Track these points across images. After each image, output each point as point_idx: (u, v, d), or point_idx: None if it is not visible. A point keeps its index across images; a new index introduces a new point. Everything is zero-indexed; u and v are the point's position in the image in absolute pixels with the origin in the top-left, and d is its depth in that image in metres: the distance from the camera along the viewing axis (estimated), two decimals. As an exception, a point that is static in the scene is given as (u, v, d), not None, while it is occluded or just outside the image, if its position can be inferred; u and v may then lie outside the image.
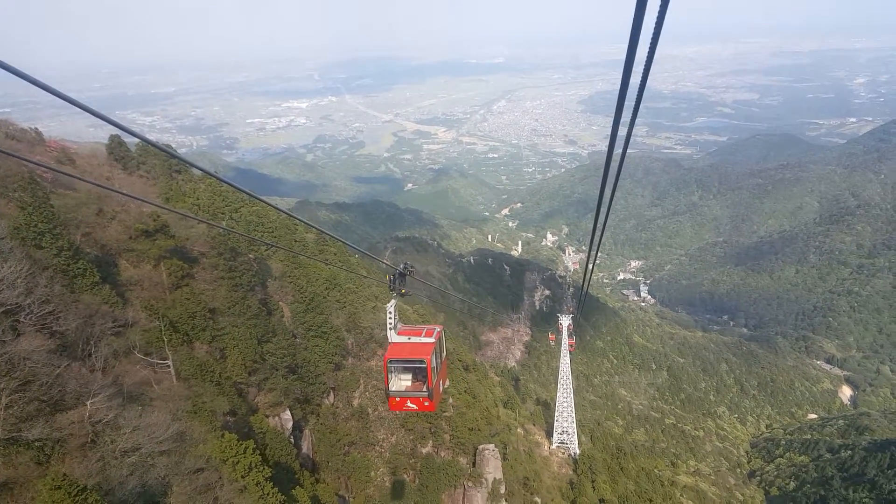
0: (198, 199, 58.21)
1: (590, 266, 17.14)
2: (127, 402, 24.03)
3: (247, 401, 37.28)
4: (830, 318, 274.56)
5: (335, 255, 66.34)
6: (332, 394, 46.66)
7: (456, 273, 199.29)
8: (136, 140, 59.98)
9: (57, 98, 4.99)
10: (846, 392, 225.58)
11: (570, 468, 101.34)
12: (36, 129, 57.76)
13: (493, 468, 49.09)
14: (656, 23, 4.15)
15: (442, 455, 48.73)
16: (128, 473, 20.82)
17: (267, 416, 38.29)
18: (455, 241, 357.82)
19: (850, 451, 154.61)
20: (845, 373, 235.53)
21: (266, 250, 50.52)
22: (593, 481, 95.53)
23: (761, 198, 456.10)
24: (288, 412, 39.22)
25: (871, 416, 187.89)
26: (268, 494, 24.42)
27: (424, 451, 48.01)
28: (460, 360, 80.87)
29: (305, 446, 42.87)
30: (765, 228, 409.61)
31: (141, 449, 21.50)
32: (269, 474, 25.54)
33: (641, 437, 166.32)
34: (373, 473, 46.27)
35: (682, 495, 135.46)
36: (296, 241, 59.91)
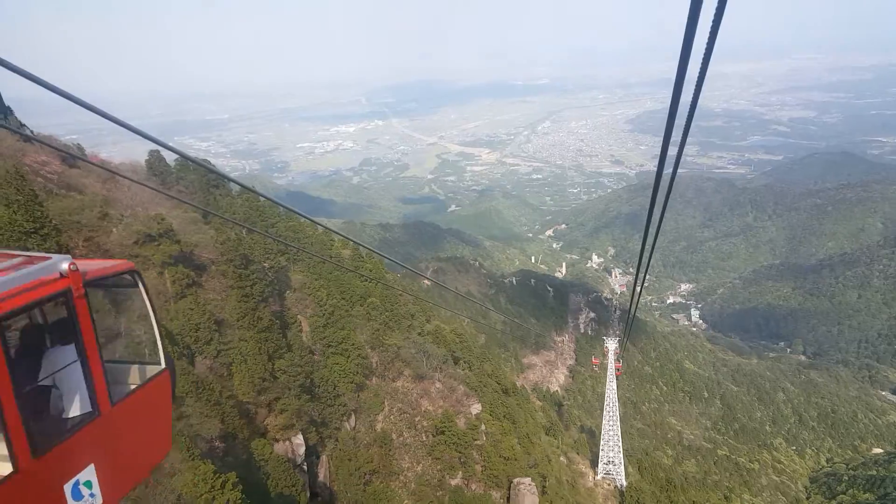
0: (234, 213, 56.99)
1: (638, 288, 15.44)
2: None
3: (254, 423, 34.21)
4: None
5: (370, 271, 63.92)
6: (352, 416, 43.16)
7: (498, 294, 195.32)
8: (176, 157, 59.77)
9: (118, 126, 5.13)
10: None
11: (616, 501, 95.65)
12: (78, 144, 57.59)
13: (529, 504, 44.51)
14: (709, 38, 4.02)
15: (473, 488, 44.49)
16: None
17: (276, 441, 35.10)
18: (497, 262, 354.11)
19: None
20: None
21: (286, 260, 48.06)
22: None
23: (820, 219, 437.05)
24: (300, 436, 35.90)
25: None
26: (251, 539, 21.00)
27: (453, 482, 43.85)
28: (499, 383, 76.44)
29: (322, 474, 39.40)
30: (824, 251, 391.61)
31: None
32: (252, 515, 22.04)
33: (692, 469, 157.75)
34: (396, 505, 42.34)
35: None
36: (331, 258, 57.83)
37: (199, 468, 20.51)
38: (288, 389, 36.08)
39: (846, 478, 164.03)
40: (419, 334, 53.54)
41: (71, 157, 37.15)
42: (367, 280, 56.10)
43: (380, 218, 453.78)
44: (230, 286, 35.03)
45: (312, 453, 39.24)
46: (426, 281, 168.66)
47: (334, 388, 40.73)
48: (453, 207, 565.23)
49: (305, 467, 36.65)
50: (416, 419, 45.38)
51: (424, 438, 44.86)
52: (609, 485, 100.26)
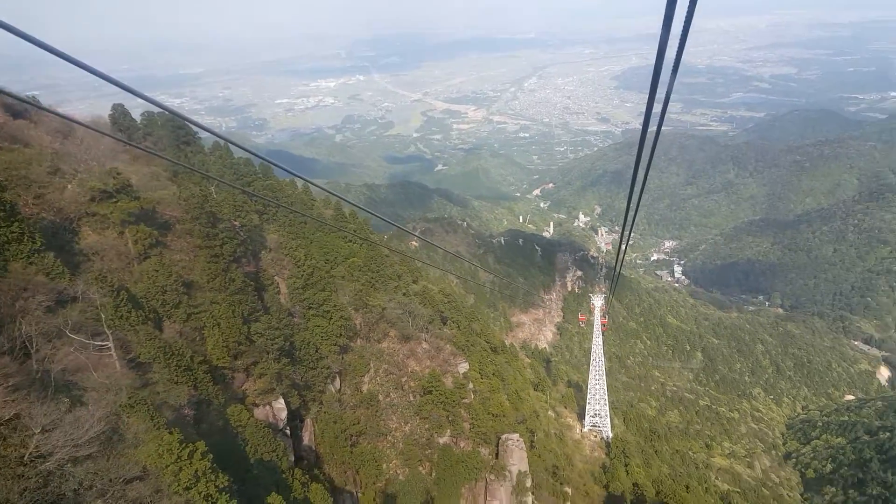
0: (207, 171, 54.38)
1: (623, 246, 15.74)
2: (55, 393, 19.29)
3: (231, 388, 32.69)
4: (869, 298, 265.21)
5: (355, 231, 61.94)
6: (337, 379, 41.87)
7: (486, 254, 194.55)
8: (143, 112, 56.46)
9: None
10: (884, 373, 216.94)
11: (602, 452, 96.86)
12: (34, 96, 53.97)
13: (517, 459, 43.96)
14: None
15: (461, 445, 43.80)
16: (37, 486, 16.10)
17: (256, 406, 33.69)
18: (486, 222, 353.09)
19: (888, 433, 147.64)
20: (884, 353, 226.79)
21: (260, 218, 45.89)
22: (626, 465, 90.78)
23: (799, 175, 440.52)
24: (282, 400, 34.51)
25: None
26: (222, 509, 19.59)
27: (442, 441, 43.08)
28: (488, 342, 75.80)
29: (307, 437, 38.27)
30: (802, 206, 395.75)
31: (56, 454, 16.72)
32: (226, 484, 20.57)
33: (675, 420, 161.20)
34: (384, 466, 41.55)
35: (716, 478, 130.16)
36: (314, 218, 55.64)
37: (164, 438, 18.95)
38: (266, 353, 34.49)
39: (820, 424, 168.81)
40: (404, 294, 52.00)
41: (28, 104, 34.32)
42: (351, 241, 54.17)
43: (365, 178, 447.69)
44: (198, 246, 32.94)
45: (296, 417, 38.05)
46: (414, 242, 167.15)
47: (316, 351, 39.26)
48: (440, 167, 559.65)
49: (288, 431, 35.45)
50: (403, 380, 44.29)
51: (412, 398, 43.87)
52: (596, 436, 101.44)
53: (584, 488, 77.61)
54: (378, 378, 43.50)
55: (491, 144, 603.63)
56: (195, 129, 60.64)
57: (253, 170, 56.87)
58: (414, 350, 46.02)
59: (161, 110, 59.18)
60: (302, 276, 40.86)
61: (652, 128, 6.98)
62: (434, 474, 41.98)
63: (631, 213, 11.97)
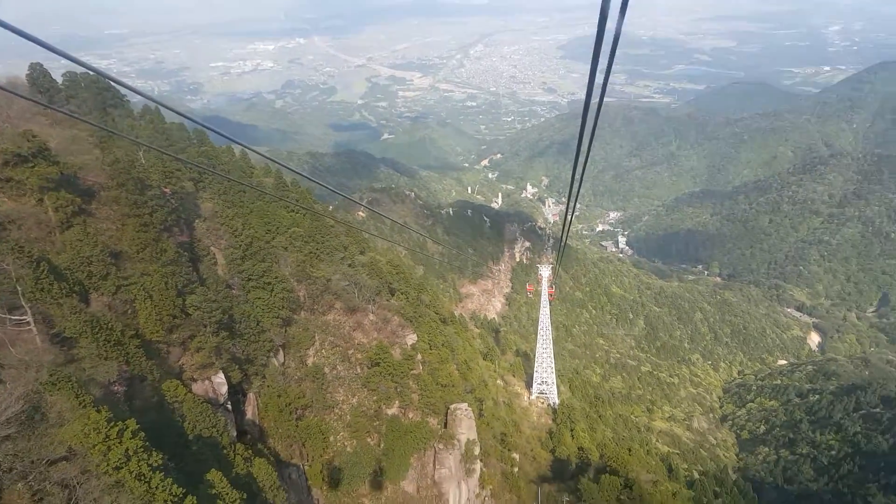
0: (137, 136, 51.13)
1: (568, 217, 15.66)
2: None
3: (166, 363, 31.18)
4: (801, 267, 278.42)
5: (298, 201, 59.91)
6: (280, 352, 40.74)
7: (435, 225, 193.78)
8: (64, 73, 52.16)
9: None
10: (814, 339, 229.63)
11: (549, 418, 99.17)
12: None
13: (465, 428, 44.22)
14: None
15: (410, 416, 43.67)
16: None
17: (194, 381, 32.35)
18: (434, 193, 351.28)
19: (817, 396, 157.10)
20: (814, 320, 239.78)
21: (194, 186, 43.64)
22: (572, 430, 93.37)
23: (737, 147, 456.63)
24: (221, 375, 33.23)
25: (837, 361, 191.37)
26: (155, 489, 18.53)
27: (390, 412, 42.83)
28: (437, 313, 75.66)
29: (250, 412, 37.21)
30: (740, 178, 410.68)
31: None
32: (160, 462, 19.50)
33: (619, 385, 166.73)
34: (332, 438, 41.02)
35: (657, 440, 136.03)
36: (253, 186, 53.27)
37: (91, 416, 17.67)
38: (203, 326, 32.99)
39: (755, 387, 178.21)
40: (350, 266, 50.82)
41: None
42: (293, 210, 52.34)
43: (308, 146, 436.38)
44: (125, 214, 30.85)
45: (238, 392, 36.85)
46: (361, 212, 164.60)
47: (258, 324, 37.95)
48: (386, 135, 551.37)
49: (230, 406, 34.26)
50: (350, 352, 43.53)
51: (359, 371, 43.23)
52: (543, 403, 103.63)
53: (532, 453, 79.39)
54: (324, 351, 42.60)
55: (438, 113, 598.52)
56: (123, 91, 56.99)
57: (187, 135, 53.97)
58: (361, 322, 45.23)
59: (85, 71, 55.21)
60: (240, 246, 39.21)
61: (595, 99, 6.99)
62: (382, 445, 41.78)
63: (576, 185, 11.98)
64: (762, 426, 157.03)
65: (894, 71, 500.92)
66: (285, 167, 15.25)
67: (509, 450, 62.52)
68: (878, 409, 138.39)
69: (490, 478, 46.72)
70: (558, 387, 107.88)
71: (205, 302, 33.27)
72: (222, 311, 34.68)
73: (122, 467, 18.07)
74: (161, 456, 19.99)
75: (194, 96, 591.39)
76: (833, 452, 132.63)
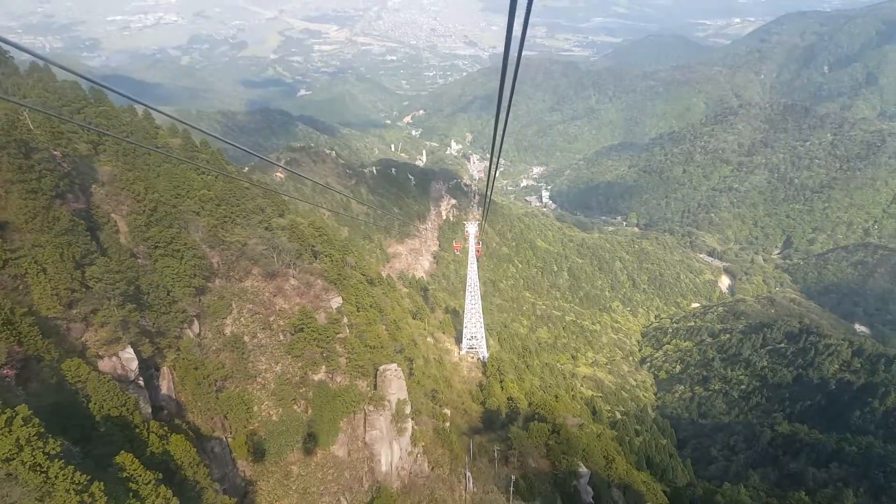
0: (24, 96, 45.88)
1: (492, 172, 15.75)
2: None
3: (67, 341, 28.68)
4: (713, 214, 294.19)
5: (208, 162, 56.23)
6: (195, 323, 38.53)
7: (358, 184, 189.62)
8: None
9: None
10: (725, 282, 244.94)
11: (479, 371, 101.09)
12: None
13: (396, 389, 43.94)
14: None
15: (338, 380, 42.80)
16: None
17: (100, 358, 30.01)
18: (356, 151, 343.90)
19: (728, 335, 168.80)
20: (724, 264, 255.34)
21: (89, 148, 39.90)
22: (501, 381, 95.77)
23: (653, 100, 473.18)
24: (130, 349, 31.00)
25: (746, 302, 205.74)
26: (55, 478, 16.98)
27: (317, 377, 41.76)
28: (363, 274, 74.37)
29: (165, 386, 35.15)
30: (656, 130, 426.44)
31: None
32: (58, 449, 17.85)
33: (545, 335, 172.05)
34: (256, 408, 39.59)
35: (581, 385, 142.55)
36: (158, 148, 49.28)
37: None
38: (107, 299, 30.50)
39: (670, 330, 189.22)
40: (266, 229, 48.51)
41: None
42: (204, 173, 49.06)
43: (219, 104, 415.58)
44: (9, 180, 27.64)
45: (150, 366, 34.61)
46: (279, 173, 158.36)
47: (168, 294, 35.56)
48: (303, 92, 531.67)
49: (142, 382, 32.13)
50: (271, 319, 41.80)
51: (282, 338, 41.67)
52: (473, 357, 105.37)
53: (463, 407, 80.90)
54: (242, 319, 40.71)
55: (357, 68, 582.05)
56: (7, 48, 51.07)
57: (82, 95, 49.08)
58: (281, 287, 43.44)
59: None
60: (143, 212, 36.33)
61: (514, 53, 6.93)
62: (310, 412, 40.86)
63: (498, 139, 11.86)
64: (678, 366, 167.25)
65: (799, 22, 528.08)
66: (194, 128, 13.94)
67: (441, 406, 63.22)
68: (782, 345, 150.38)
69: (422, 435, 47.02)
70: (487, 341, 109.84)
71: (107, 273, 30.67)
72: (127, 282, 32.17)
73: (14, 458, 16.37)
74: (60, 442, 18.31)
75: (91, 53, 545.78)
76: (743, 387, 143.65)
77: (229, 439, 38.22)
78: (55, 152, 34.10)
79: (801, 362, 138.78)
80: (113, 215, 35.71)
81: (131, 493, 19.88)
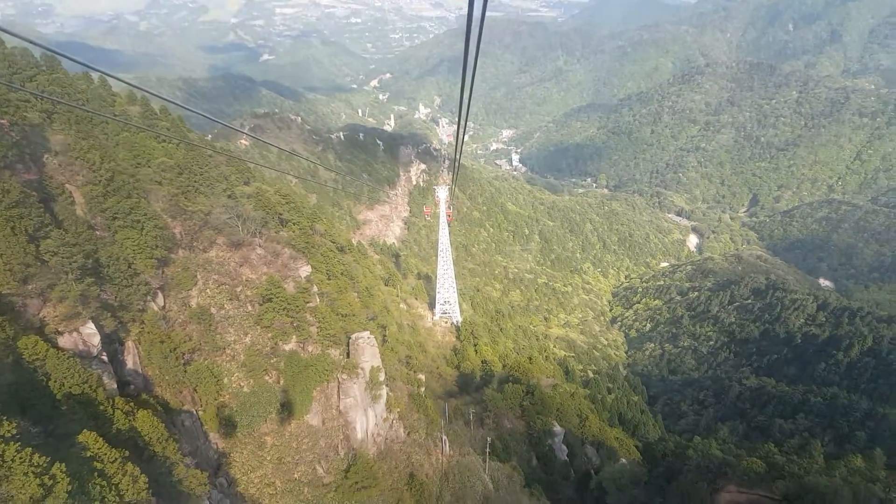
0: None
1: (461, 135, 15.28)
2: None
3: (23, 317, 27.50)
4: (680, 174, 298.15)
5: (169, 130, 54.06)
6: (160, 295, 37.40)
7: (326, 151, 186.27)
8: None
9: None
10: (693, 240, 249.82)
11: (453, 336, 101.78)
12: None
13: (369, 356, 43.66)
14: None
15: (309, 350, 42.27)
16: None
17: (59, 334, 28.91)
18: (322, 117, 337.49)
19: (696, 293, 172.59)
20: (692, 223, 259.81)
21: (41, 117, 37.79)
22: (475, 345, 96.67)
23: (621, 60, 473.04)
24: (91, 324, 29.91)
25: (714, 260, 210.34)
26: (11, 461, 16.27)
27: (287, 348, 41.16)
28: (333, 242, 73.33)
29: (130, 361, 34.19)
30: (624, 91, 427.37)
31: None
32: (14, 431, 17.13)
33: (518, 298, 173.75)
34: (226, 380, 38.92)
35: (554, 346, 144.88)
36: (116, 116, 46.98)
37: None
38: (64, 273, 29.22)
39: (640, 290, 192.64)
40: (229, 197, 47.03)
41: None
42: (165, 141, 47.14)
43: (180, 71, 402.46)
44: (-51, 151, 25.96)
45: (114, 341, 33.57)
46: (243, 141, 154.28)
47: (129, 267, 34.28)
48: (266, 56, 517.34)
49: (105, 357, 31.16)
50: (238, 289, 40.78)
51: (250, 308, 40.78)
52: (446, 322, 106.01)
53: (438, 371, 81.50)
54: (208, 290, 39.62)
55: (321, 31, 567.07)
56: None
57: (33, 62, 46.18)
58: (247, 257, 42.33)
59: None
60: (100, 182, 34.73)
61: (477, 12, 6.75)
62: (282, 382, 40.39)
63: (465, 103, 11.45)
64: (648, 324, 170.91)
65: None
66: (154, 95, 13.00)
67: (415, 371, 63.43)
68: (749, 301, 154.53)
69: (397, 401, 47.10)
70: (460, 305, 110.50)
71: (62, 246, 29.33)
72: (85, 254, 30.86)
73: (-41, 444, 15.58)
74: (16, 423, 17.54)
75: (45, 20, 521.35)
76: (711, 343, 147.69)
77: (200, 412, 37.61)
78: (2, 121, 32.14)
79: (767, 317, 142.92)
80: (68, 186, 34.08)
81: (96, 473, 19.24)
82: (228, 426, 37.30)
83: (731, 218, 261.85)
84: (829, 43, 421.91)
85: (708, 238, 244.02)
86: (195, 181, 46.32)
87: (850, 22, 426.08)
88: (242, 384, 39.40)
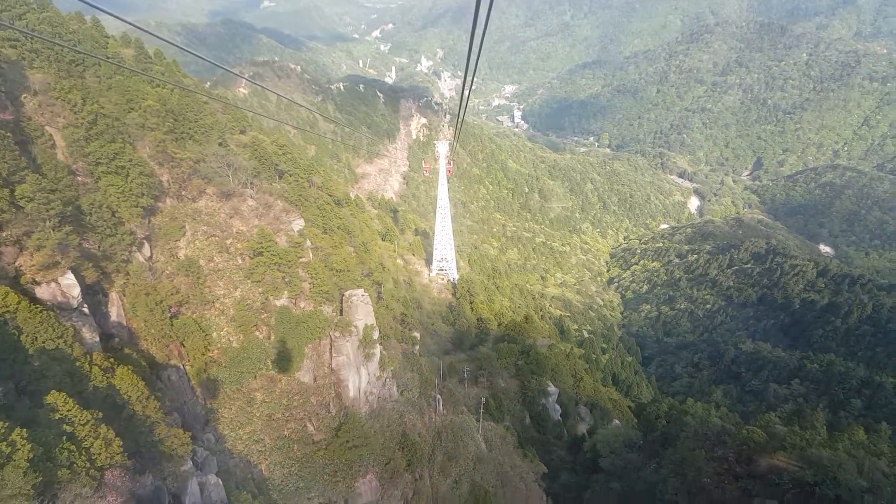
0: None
1: (466, 93, 14.69)
2: None
3: (-2, 266, 26.09)
4: (685, 135, 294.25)
5: (164, 75, 51.60)
6: (146, 245, 35.93)
7: (325, 101, 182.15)
8: None
9: None
10: (694, 203, 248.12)
11: (449, 293, 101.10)
12: None
13: (363, 314, 42.55)
14: None
15: (301, 306, 41.11)
16: None
17: (36, 284, 27.53)
18: (323, 67, 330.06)
19: (695, 256, 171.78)
20: (694, 185, 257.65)
21: (17, 54, 35.48)
22: (471, 303, 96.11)
23: (629, 16, 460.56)
24: (70, 275, 28.49)
25: (714, 223, 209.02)
26: (-31, 424, 15.08)
27: (279, 303, 39.99)
28: (331, 195, 71.48)
29: (114, 313, 32.97)
30: (631, 48, 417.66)
31: None
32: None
33: (515, 257, 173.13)
34: (214, 335, 37.86)
35: (550, 305, 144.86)
36: (109, 58, 44.58)
37: None
38: (42, 221, 27.66)
39: (639, 251, 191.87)
40: (220, 145, 45.04)
41: None
42: (160, 85, 44.85)
43: (179, 16, 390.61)
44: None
45: (97, 292, 32.28)
46: (242, 89, 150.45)
47: (113, 215, 32.68)
48: (267, 3, 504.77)
49: (86, 310, 29.89)
50: (228, 241, 39.30)
51: (240, 261, 39.40)
52: (443, 279, 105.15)
53: (433, 328, 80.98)
54: (197, 242, 38.12)
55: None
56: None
57: (24, 0, 43.49)
58: (238, 208, 40.65)
59: None
60: (82, 124, 32.77)
61: None
62: (273, 338, 39.35)
63: (473, 57, 11.44)
64: (645, 286, 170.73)
65: None
66: (152, 35, 11.55)
67: (410, 329, 62.63)
68: (749, 265, 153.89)
69: (391, 359, 46.24)
70: (458, 262, 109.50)
71: (39, 192, 27.62)
72: (64, 201, 29.20)
73: None
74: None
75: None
76: (708, 306, 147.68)
77: (187, 367, 36.67)
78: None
79: (766, 282, 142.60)
80: (47, 128, 32.16)
81: (65, 437, 18.10)
82: (217, 381, 36.45)
83: (734, 181, 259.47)
84: (843, 4, 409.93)
85: (709, 201, 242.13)
86: (189, 128, 44.33)
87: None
88: (232, 339, 38.37)
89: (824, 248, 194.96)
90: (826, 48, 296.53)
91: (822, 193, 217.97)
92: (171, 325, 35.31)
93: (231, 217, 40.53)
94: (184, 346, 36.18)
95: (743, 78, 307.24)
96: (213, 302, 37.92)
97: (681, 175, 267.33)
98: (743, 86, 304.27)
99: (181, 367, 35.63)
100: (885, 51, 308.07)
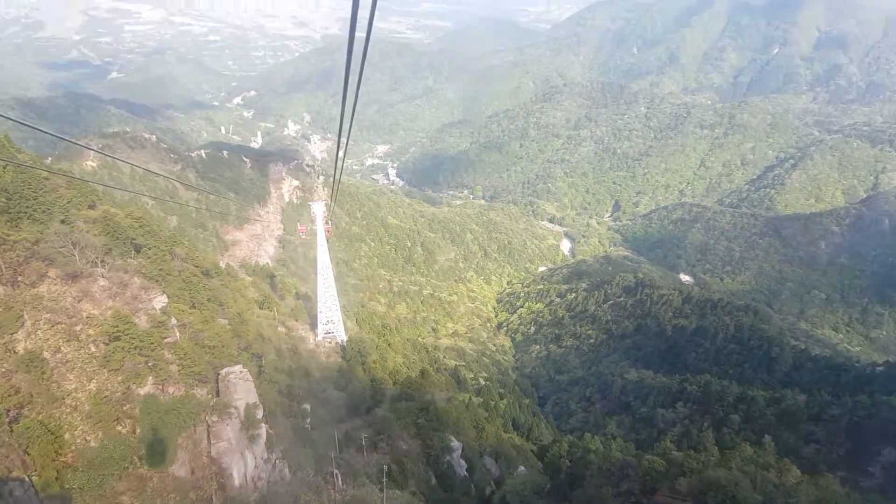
0: None
1: (341, 153, 15.87)
2: None
3: None
4: (549, 184, 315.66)
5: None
6: (-27, 343, 30.63)
7: (185, 170, 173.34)
8: None
9: None
10: (566, 245, 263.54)
11: (339, 356, 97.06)
12: None
13: (243, 392, 38.83)
14: None
15: (170, 392, 36.73)
16: None
17: None
18: (182, 136, 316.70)
19: (574, 294, 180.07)
20: (564, 229, 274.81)
21: None
22: (363, 363, 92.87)
23: (487, 80, 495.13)
24: None
25: (586, 262, 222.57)
26: None
27: (143, 391, 35.38)
28: (197, 266, 66.43)
29: (-66, 428, 27.37)
30: (492, 108, 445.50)
31: None
32: None
33: (404, 311, 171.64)
34: (67, 436, 32.51)
35: (444, 356, 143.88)
36: None
37: None
38: None
39: (522, 294, 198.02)
40: (62, 222, 40.33)
41: None
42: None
43: (15, 91, 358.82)
44: None
45: None
46: (89, 162, 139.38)
47: (-73, 312, 27.59)
48: (115, 74, 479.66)
49: None
50: (78, 328, 34.50)
51: (94, 349, 34.62)
52: (330, 342, 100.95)
53: (324, 397, 76.53)
54: (39, 332, 33.11)
55: (176, 49, 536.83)
56: None
57: None
58: (87, 290, 36.06)
59: None
60: None
61: (359, 33, 7.36)
62: (139, 430, 34.60)
63: (346, 121, 12.41)
64: (532, 327, 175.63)
65: (608, 9, 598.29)
66: None
67: (298, 402, 58.67)
68: (622, 298, 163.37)
69: (280, 438, 42.51)
70: (345, 323, 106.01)
71: None
72: None
73: None
74: None
75: None
76: (592, 341, 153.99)
77: (34, 478, 31.02)
78: None
79: (639, 313, 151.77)
80: None
81: None
82: (73, 490, 31.12)
83: (598, 223, 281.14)
84: (669, 64, 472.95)
85: (579, 242, 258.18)
86: (27, 206, 39.32)
87: (685, 45, 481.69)
88: (89, 438, 33.16)
89: (684, 277, 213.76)
90: (661, 102, 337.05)
91: (675, 228, 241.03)
92: (11, 431, 29.90)
93: (79, 301, 35.82)
94: (28, 455, 30.67)
95: (593, 131, 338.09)
96: (63, 398, 32.75)
97: (551, 220, 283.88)
98: (594, 138, 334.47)
99: (26, 478, 30.06)
100: (709, 102, 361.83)
